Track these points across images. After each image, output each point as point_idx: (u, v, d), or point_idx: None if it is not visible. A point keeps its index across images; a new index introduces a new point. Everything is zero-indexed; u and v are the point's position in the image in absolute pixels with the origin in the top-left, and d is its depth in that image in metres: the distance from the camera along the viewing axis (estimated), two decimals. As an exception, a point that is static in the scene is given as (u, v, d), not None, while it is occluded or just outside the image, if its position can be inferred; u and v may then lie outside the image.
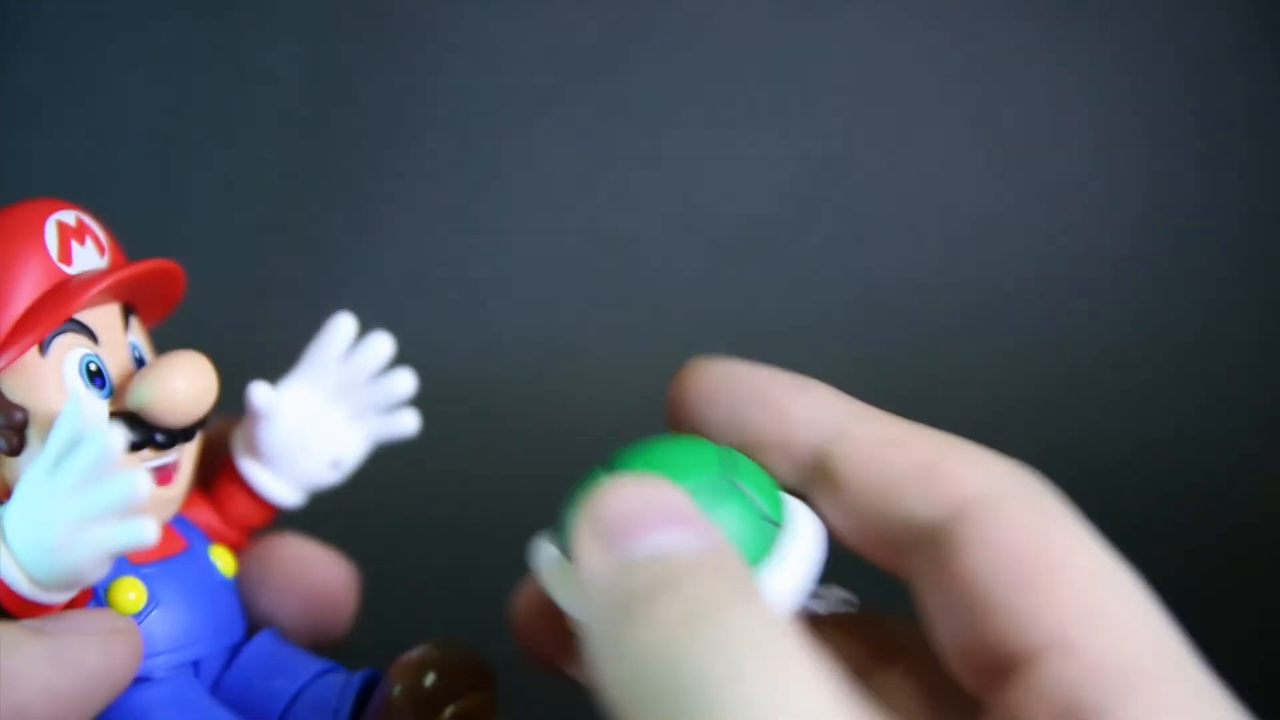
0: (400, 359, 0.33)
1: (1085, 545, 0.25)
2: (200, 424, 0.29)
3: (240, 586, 0.32)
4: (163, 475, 0.29)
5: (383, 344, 0.32)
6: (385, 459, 0.34)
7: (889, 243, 0.53)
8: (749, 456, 0.27)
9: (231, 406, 0.32)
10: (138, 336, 0.30)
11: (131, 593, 0.28)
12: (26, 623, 0.26)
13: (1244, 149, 0.52)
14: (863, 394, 0.28)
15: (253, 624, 0.31)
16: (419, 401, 0.33)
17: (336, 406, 0.32)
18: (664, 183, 0.53)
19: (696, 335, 0.50)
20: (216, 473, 0.32)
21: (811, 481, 0.28)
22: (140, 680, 0.28)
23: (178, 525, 0.30)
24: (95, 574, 0.26)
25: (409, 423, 0.33)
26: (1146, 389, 0.51)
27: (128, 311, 0.30)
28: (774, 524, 0.26)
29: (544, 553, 0.27)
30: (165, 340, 0.32)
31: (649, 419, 0.50)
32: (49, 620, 0.26)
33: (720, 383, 0.29)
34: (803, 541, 0.26)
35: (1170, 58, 0.52)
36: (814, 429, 0.27)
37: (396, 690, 0.28)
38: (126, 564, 0.29)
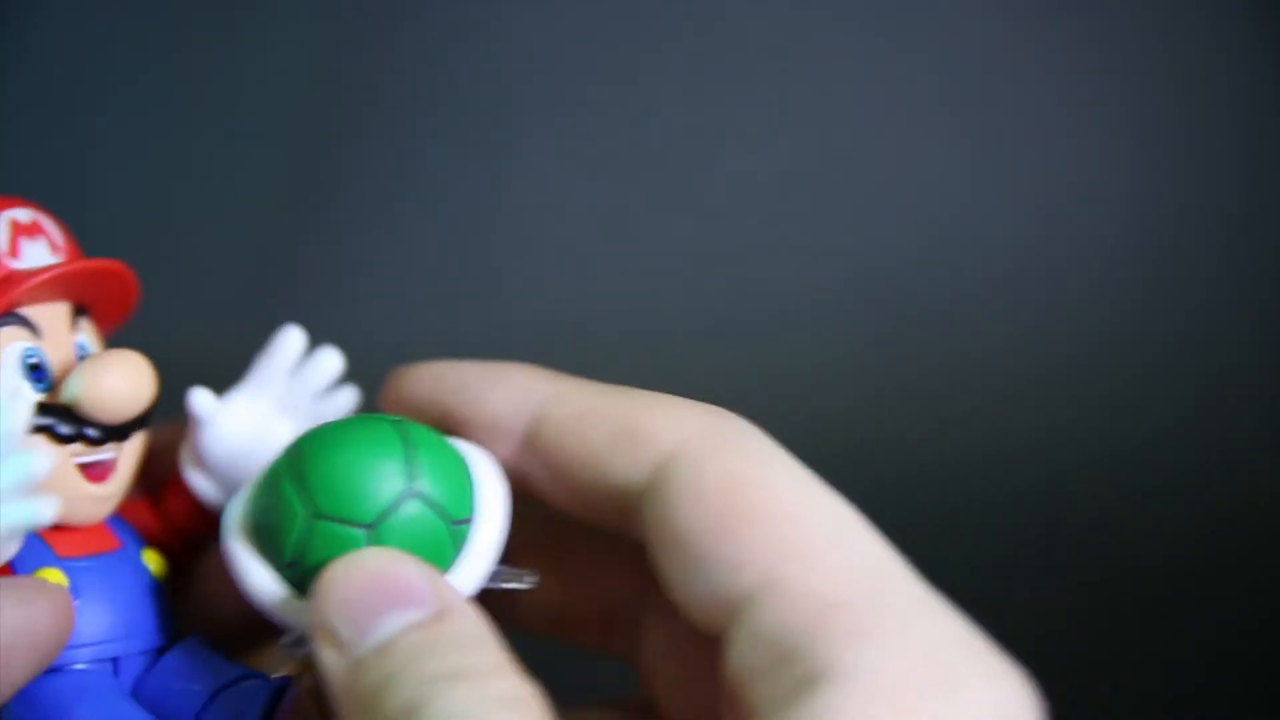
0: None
1: (789, 484, 0.25)
2: (137, 424, 0.30)
3: (182, 586, 0.32)
4: (97, 473, 0.29)
5: (331, 360, 0.32)
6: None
7: (882, 238, 0.53)
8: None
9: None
10: (87, 337, 0.31)
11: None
12: None
13: (1233, 145, 0.52)
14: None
15: (187, 628, 0.31)
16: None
17: (282, 420, 0.32)
18: (665, 181, 0.54)
19: (699, 331, 0.51)
20: (164, 481, 0.33)
21: (527, 463, 0.29)
22: (55, 670, 0.28)
23: (113, 526, 0.31)
24: (3, 552, 0.27)
25: None
26: (1137, 382, 0.51)
27: (78, 312, 0.31)
28: (457, 523, 0.27)
29: (253, 570, 0.28)
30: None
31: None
32: None
33: (424, 385, 0.30)
34: (483, 531, 0.27)
35: (1159, 54, 0.52)
36: (518, 414, 0.29)
37: (302, 689, 0.28)
38: (52, 556, 0.29)
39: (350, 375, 0.33)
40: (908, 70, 0.52)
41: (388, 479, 0.27)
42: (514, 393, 0.29)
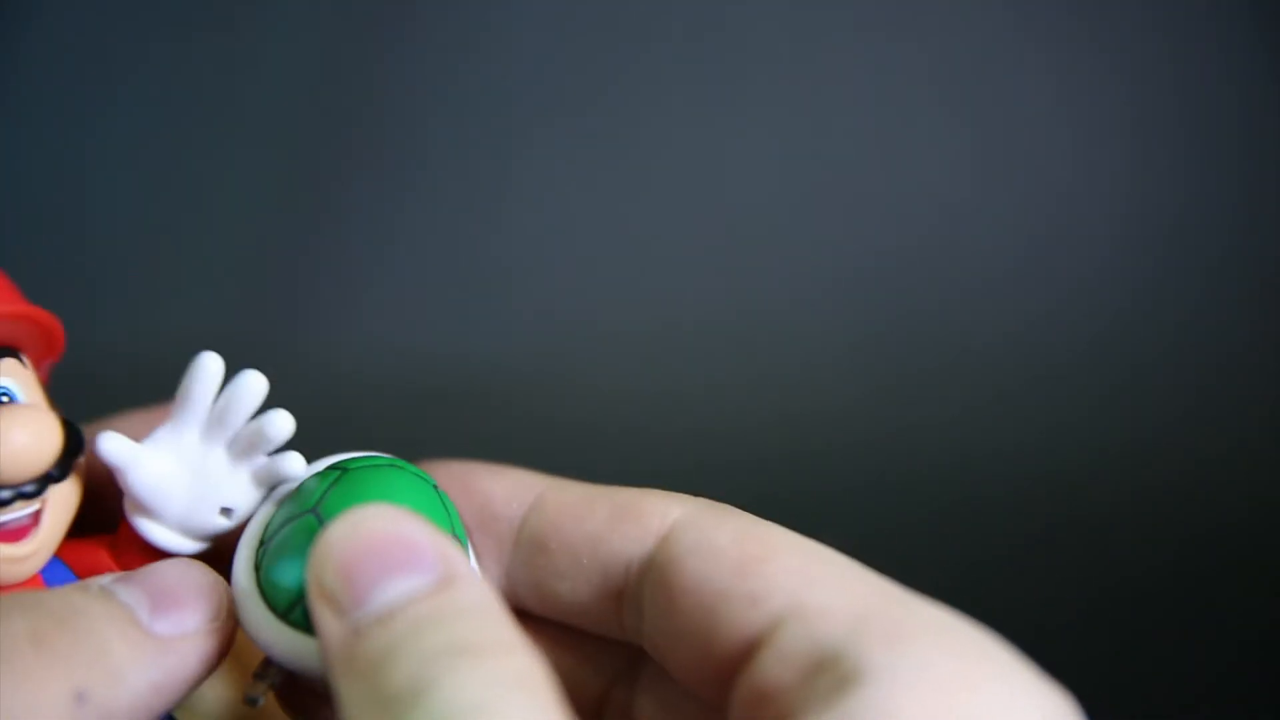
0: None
1: (791, 536, 0.27)
2: (49, 480, 0.28)
3: None
4: (11, 533, 0.28)
5: (255, 382, 0.29)
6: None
7: (882, 236, 0.53)
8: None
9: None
10: (13, 380, 0.29)
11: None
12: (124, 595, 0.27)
13: (1233, 145, 0.51)
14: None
15: None
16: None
17: (214, 451, 0.30)
18: (667, 180, 0.54)
19: (701, 328, 0.52)
20: (119, 522, 0.31)
21: (520, 552, 0.30)
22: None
23: (51, 572, 0.30)
24: None
25: (295, 465, 0.30)
26: (1137, 381, 0.51)
27: (3, 354, 0.29)
28: None
29: (250, 603, 0.27)
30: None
31: (659, 418, 0.50)
32: (151, 609, 0.27)
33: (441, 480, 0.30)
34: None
35: (1159, 54, 0.50)
36: (515, 503, 0.30)
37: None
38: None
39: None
40: (908, 70, 0.52)
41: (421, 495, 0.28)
42: (513, 485, 0.31)
